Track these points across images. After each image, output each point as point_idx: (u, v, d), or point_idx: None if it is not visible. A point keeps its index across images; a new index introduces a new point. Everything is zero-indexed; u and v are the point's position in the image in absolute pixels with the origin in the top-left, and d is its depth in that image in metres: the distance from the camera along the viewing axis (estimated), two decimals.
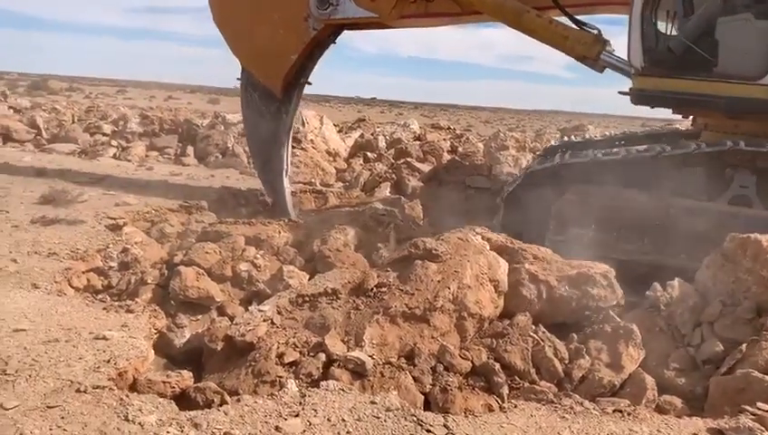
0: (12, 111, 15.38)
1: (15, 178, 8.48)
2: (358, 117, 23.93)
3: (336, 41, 7.71)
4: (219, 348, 4.14)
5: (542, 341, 4.09)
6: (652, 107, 6.22)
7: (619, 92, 6.29)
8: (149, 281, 5.06)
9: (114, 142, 12.40)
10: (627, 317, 4.38)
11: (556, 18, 6.54)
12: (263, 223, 6.48)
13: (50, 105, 18.02)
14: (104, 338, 3.59)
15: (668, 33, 6.37)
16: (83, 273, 5.06)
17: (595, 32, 6.28)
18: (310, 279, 5.27)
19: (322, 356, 3.75)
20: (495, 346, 3.99)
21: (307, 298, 4.30)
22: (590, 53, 6.21)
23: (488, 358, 3.88)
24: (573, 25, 6.43)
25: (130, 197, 7.78)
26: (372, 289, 4.22)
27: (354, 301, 4.19)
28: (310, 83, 7.91)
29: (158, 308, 4.50)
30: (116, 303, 4.41)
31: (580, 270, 4.55)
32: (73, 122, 14.62)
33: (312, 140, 13.09)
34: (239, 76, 8.06)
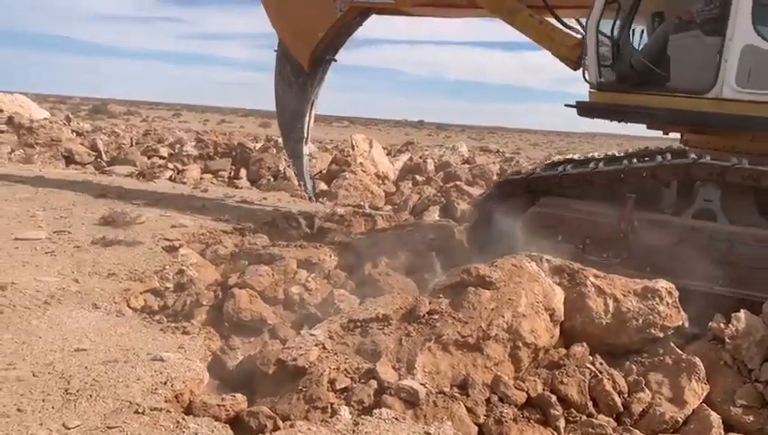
0: (74, 134, 16.03)
1: (77, 198, 8.80)
2: (406, 140, 24.08)
3: (363, 23, 8.52)
4: (271, 371, 4.15)
5: (600, 372, 3.97)
6: (594, 118, 6.43)
7: (566, 105, 6.53)
8: (204, 303, 5.15)
9: (170, 165, 12.78)
10: (688, 350, 4.22)
11: (547, 19, 7.01)
12: (314, 246, 6.54)
13: (109, 128, 18.74)
14: (161, 359, 3.64)
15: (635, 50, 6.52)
16: (141, 293, 5.18)
17: (579, 36, 6.61)
18: (360, 303, 5.27)
19: (374, 383, 3.71)
20: (552, 378, 3.89)
21: (358, 323, 4.28)
22: (572, 55, 6.64)
23: (544, 389, 3.79)
24: (562, 27, 6.87)
25: (186, 218, 7.97)
26: (424, 316, 4.17)
27: (405, 327, 4.14)
28: (335, 60, 8.76)
29: (213, 330, 4.55)
30: (172, 324, 4.49)
31: (646, 284, 4.47)
32: (132, 145, 15.16)
33: (361, 163, 13.22)
34: (276, 48, 9.02)
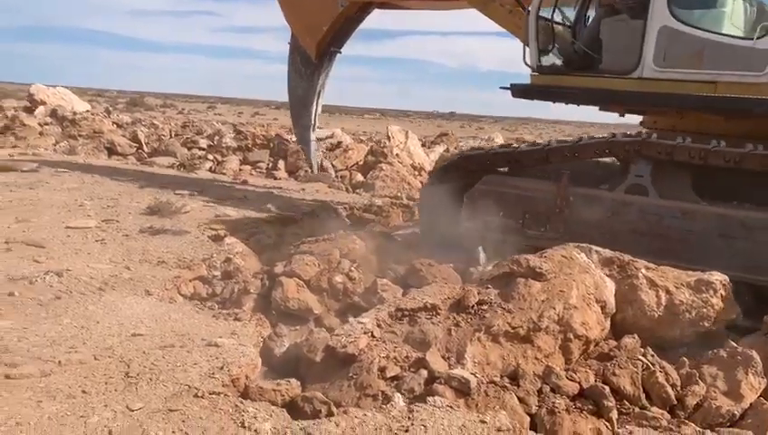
0: (115, 126, 16.35)
1: (122, 189, 8.99)
2: (439, 131, 23.97)
3: (366, 17, 9.12)
4: (318, 358, 4.20)
5: (652, 365, 3.91)
6: (530, 100, 6.67)
7: (500, 87, 6.74)
8: (252, 290, 5.21)
9: (210, 156, 12.94)
10: (742, 343, 4.14)
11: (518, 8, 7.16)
12: (358, 236, 6.54)
13: (149, 120, 19.06)
14: (216, 345, 3.71)
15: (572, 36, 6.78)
16: (190, 281, 5.27)
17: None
18: (404, 293, 5.29)
19: (424, 373, 3.72)
20: (603, 369, 3.84)
21: (406, 312, 4.28)
22: None
23: (596, 381, 3.75)
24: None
25: (229, 209, 8.08)
26: (473, 306, 4.16)
27: (454, 317, 4.14)
28: (340, 52, 9.43)
29: (264, 317, 4.61)
30: (224, 311, 4.57)
31: (700, 276, 4.41)
32: (171, 137, 15.40)
33: (397, 155, 13.23)
34: (289, 40, 9.69)
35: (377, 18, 9.74)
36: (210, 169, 12.48)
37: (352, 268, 5.69)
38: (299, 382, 3.57)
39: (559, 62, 6.57)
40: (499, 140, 16.84)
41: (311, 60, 9.40)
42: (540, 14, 6.40)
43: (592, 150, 6.07)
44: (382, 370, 3.78)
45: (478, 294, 4.26)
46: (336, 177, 12.42)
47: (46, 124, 15.13)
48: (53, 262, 5.27)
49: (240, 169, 12.67)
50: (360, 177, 12.56)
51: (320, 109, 9.99)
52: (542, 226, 5.93)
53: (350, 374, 3.78)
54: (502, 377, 3.81)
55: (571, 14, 6.87)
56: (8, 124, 14.83)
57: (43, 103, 16.84)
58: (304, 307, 5.04)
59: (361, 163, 13.16)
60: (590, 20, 6.77)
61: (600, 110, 7.09)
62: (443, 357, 3.91)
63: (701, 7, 5.87)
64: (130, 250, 5.78)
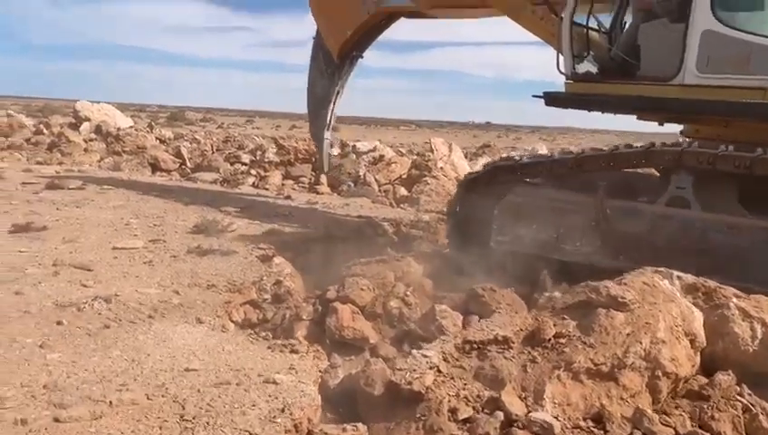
0: (158, 141, 16.42)
1: (167, 206, 8.88)
2: (478, 142, 23.63)
3: (391, 25, 9.03)
4: (377, 392, 3.91)
5: (753, 405, 3.52)
6: (563, 108, 6.41)
7: (533, 96, 6.54)
8: (304, 317, 4.95)
9: (253, 171, 12.83)
10: None
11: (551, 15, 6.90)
12: (411, 257, 6.25)
13: (190, 136, 19.14)
14: (274, 382, 3.46)
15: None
16: (240, 305, 5.04)
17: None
18: (464, 321, 4.98)
19: (500, 415, 3.40)
20: (699, 412, 3.47)
21: (475, 345, 3.96)
22: None
23: (692, 426, 3.37)
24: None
25: (275, 226, 7.89)
26: (549, 340, 3.82)
27: (529, 352, 3.80)
28: (362, 57, 9.43)
29: (321, 349, 4.34)
30: (279, 341, 4.31)
31: None
32: (213, 152, 15.38)
33: (441, 168, 12.90)
34: (314, 36, 9.66)
35: (410, 29, 9.65)
36: (253, 185, 12.36)
37: (408, 293, 5.40)
38: (365, 427, 3.28)
39: (594, 69, 6.34)
40: (543, 150, 16.35)
41: (332, 59, 9.36)
42: (574, 20, 6.18)
43: (629, 160, 5.81)
44: (453, 411, 3.48)
45: (554, 326, 3.92)
46: (380, 191, 12.16)
47: (91, 140, 15.29)
48: (101, 286, 5.11)
49: (283, 184, 12.52)
50: (403, 190, 12.27)
51: (336, 110, 9.95)
52: (578, 240, 5.70)
53: (418, 415, 3.48)
54: (584, 419, 3.48)
55: (605, 20, 6.65)
56: (54, 141, 15.02)
57: (88, 120, 17.04)
58: (360, 336, 4.75)
59: (405, 177, 12.87)
60: (627, 25, 6.53)
61: (638, 119, 6.78)
62: (519, 397, 3.58)
63: (747, 9, 5.60)
64: (179, 273, 5.59)
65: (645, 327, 3.74)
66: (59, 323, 4.20)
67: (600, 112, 6.53)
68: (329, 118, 9.77)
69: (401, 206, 11.38)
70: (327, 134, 9.91)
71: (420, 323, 5.10)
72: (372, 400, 3.93)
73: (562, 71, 6.21)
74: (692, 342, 3.86)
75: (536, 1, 7.08)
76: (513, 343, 3.91)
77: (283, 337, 4.75)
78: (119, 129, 16.00)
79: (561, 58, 6.19)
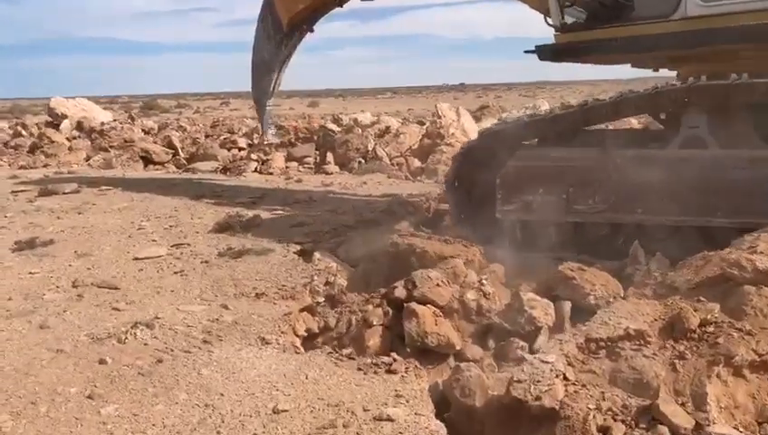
0: (143, 132, 15.51)
1: (177, 203, 8.13)
2: (480, 104, 22.96)
3: (343, 5, 8.57)
4: (478, 403, 3.34)
5: None
6: (558, 61, 6.17)
7: (525, 51, 6.21)
8: (374, 322, 4.32)
9: (254, 156, 12.06)
10: None
11: None
12: (464, 241, 5.60)
13: (175, 124, 18.21)
14: (389, 419, 2.83)
15: None
16: (299, 314, 4.41)
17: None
18: (556, 308, 4.40)
19: (663, 430, 2.82)
20: None
21: (602, 343, 3.38)
22: (543, 5, 6.16)
23: None
24: None
25: (300, 215, 7.22)
26: (695, 330, 3.24)
27: (673, 347, 3.22)
28: (312, 31, 8.95)
29: (418, 364, 3.71)
30: (369, 360, 3.67)
31: None
32: (205, 138, 14.55)
33: (453, 134, 12.24)
34: None
35: None
36: (256, 170, 11.60)
37: (484, 281, 4.78)
38: None
39: (583, 17, 5.94)
40: (545, 106, 15.74)
41: (281, 27, 8.88)
42: None
43: (635, 106, 5.55)
44: (605, 431, 2.89)
45: (695, 311, 3.33)
46: (393, 164, 11.49)
47: (74, 138, 14.36)
48: (136, 307, 4.43)
49: (287, 167, 11.78)
50: (417, 162, 11.60)
51: (281, 79, 9.52)
52: (590, 197, 5.37)
53: None
54: (759, 425, 2.92)
55: None
56: (36, 142, 14.08)
57: (65, 117, 16.04)
58: (444, 343, 4.14)
59: (416, 147, 12.18)
60: None
61: (633, 66, 6.52)
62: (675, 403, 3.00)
63: None
64: (218, 281, 4.92)
65: None
66: (102, 361, 3.53)
67: (583, 64, 6.28)
68: (272, 86, 9.39)
69: (418, 178, 10.72)
70: (269, 102, 9.62)
71: (504, 316, 4.47)
72: (476, 415, 3.36)
73: (551, 23, 5.95)
74: None
75: None
76: (650, 336, 3.32)
77: (353, 347, 4.15)
78: (102, 123, 15.06)
79: (551, 11, 5.87)
